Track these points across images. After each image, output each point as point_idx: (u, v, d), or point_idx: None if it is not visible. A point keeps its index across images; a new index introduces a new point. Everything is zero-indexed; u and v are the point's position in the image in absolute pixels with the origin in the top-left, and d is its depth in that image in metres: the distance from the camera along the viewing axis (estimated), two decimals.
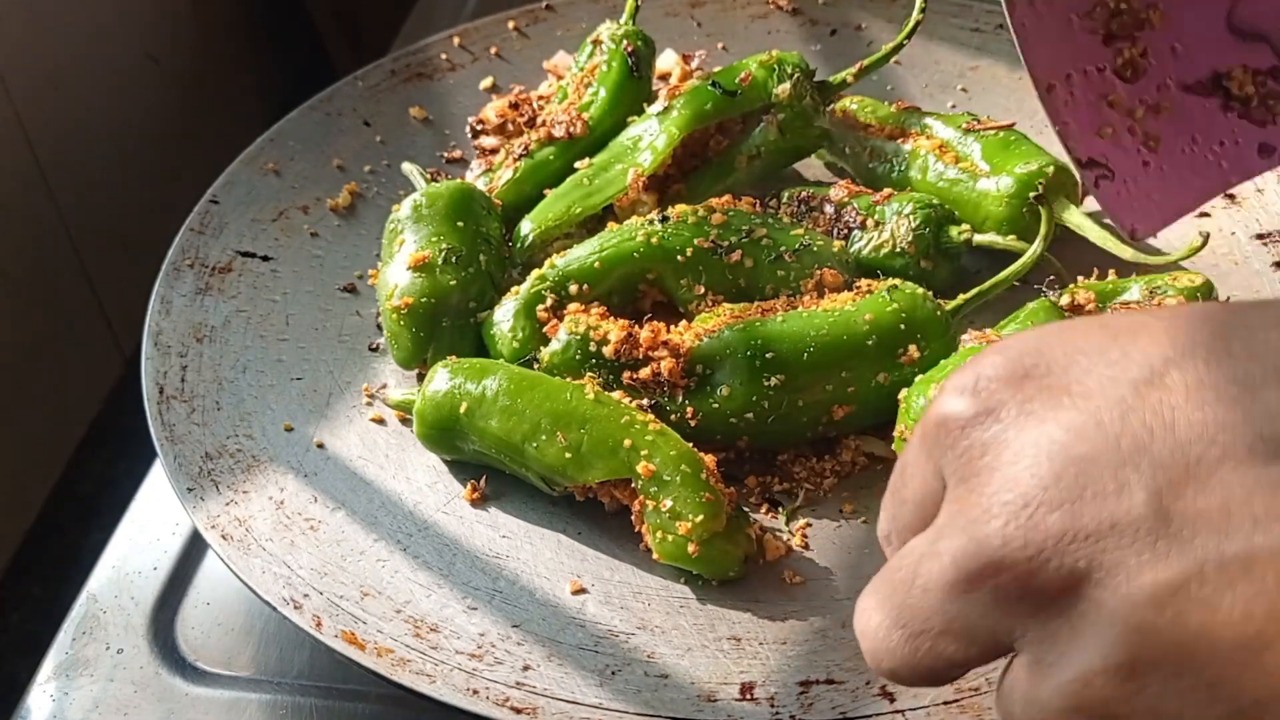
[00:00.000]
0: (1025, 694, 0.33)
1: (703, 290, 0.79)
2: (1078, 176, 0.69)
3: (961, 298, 0.77)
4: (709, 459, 0.68)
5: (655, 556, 0.67)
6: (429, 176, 0.89)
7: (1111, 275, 0.79)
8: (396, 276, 0.79)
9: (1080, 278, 0.79)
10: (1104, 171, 0.68)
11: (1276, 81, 0.68)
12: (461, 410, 0.71)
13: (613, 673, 0.63)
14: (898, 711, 0.60)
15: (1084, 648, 0.31)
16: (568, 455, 0.68)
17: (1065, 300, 0.75)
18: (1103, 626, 0.31)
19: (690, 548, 0.65)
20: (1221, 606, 0.29)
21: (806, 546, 0.69)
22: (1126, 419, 0.32)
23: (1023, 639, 0.33)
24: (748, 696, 0.61)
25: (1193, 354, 0.32)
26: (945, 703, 0.60)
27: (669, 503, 0.65)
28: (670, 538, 0.65)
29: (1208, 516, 0.30)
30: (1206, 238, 0.75)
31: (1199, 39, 0.69)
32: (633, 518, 0.68)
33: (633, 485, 0.67)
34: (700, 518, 0.64)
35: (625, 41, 0.91)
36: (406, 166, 0.91)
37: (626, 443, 0.67)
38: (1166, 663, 0.30)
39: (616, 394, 0.71)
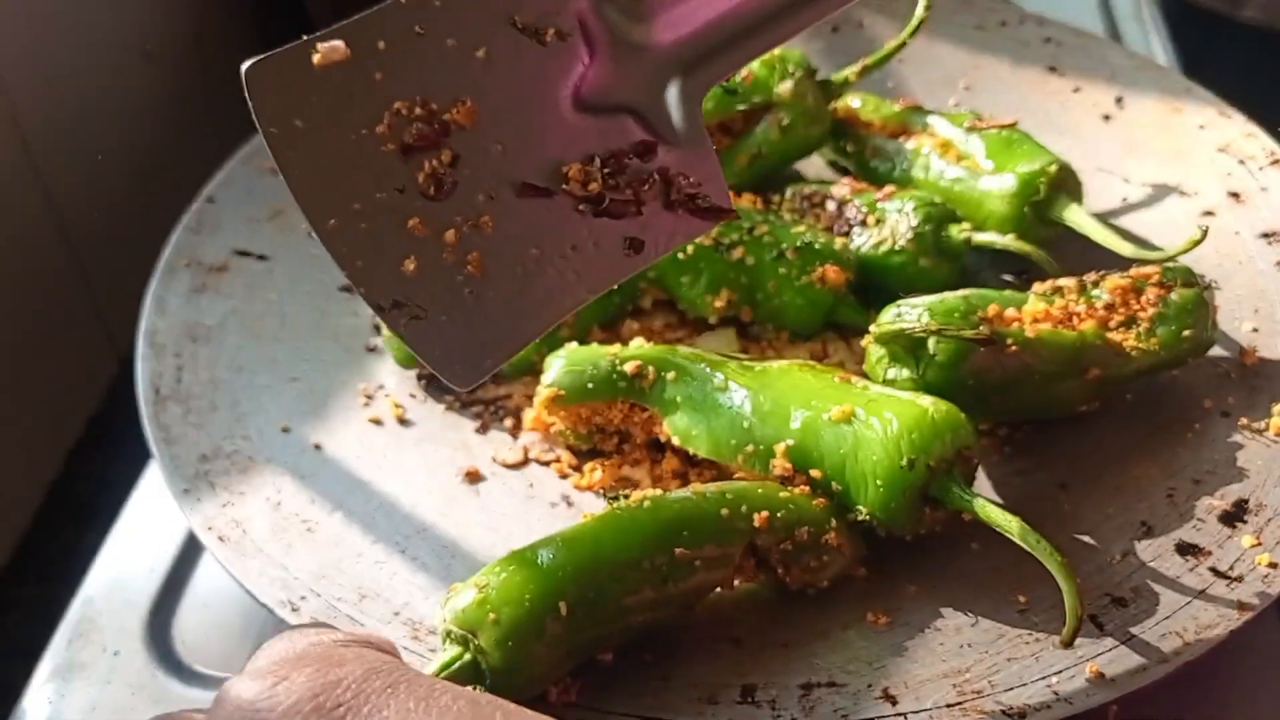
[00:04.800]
0: None
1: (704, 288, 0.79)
2: (383, 324, 0.56)
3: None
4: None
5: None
6: None
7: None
8: None
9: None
10: (415, 312, 0.55)
11: (645, 160, 0.57)
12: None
13: (613, 674, 0.62)
14: (899, 714, 0.60)
15: None
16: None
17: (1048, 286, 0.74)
18: None
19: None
20: None
21: None
22: None
23: None
24: (749, 699, 0.61)
25: None
26: (948, 705, 0.60)
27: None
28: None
29: None
30: (1205, 231, 0.74)
31: (531, 130, 0.56)
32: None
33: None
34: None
35: None
36: None
37: None
38: None
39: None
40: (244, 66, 0.52)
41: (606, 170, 0.57)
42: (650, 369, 0.72)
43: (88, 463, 1.03)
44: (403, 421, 0.77)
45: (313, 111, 0.53)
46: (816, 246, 0.79)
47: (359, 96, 0.53)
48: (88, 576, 0.76)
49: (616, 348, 0.74)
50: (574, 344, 0.76)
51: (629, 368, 0.72)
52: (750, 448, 0.68)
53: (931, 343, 0.69)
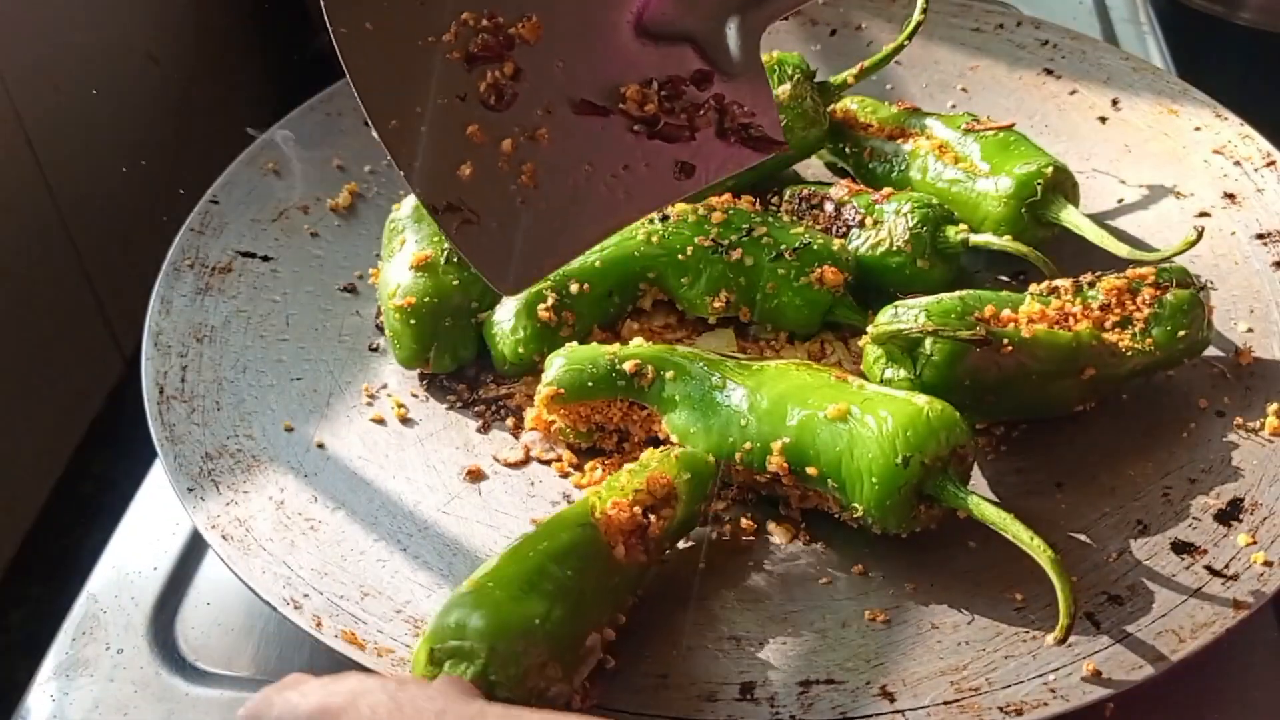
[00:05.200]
0: None
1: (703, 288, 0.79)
2: (437, 224, 0.58)
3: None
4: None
5: None
6: None
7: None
8: (398, 276, 0.79)
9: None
10: (468, 216, 0.57)
11: (702, 88, 0.59)
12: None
13: (613, 673, 0.63)
14: (898, 711, 0.60)
15: None
16: None
17: (1044, 287, 0.75)
18: None
19: None
20: None
21: (808, 543, 0.69)
22: None
23: None
24: (748, 696, 0.61)
25: None
26: (945, 703, 0.60)
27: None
28: None
29: None
30: (1200, 232, 0.75)
31: (593, 51, 0.57)
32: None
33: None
34: None
35: None
36: None
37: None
38: None
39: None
40: None
41: (663, 94, 0.58)
42: (649, 368, 0.72)
43: (92, 462, 1.03)
44: (405, 421, 0.78)
45: (383, 15, 0.54)
46: (815, 247, 0.79)
47: (429, 4, 0.55)
48: (92, 574, 0.76)
49: (616, 347, 0.74)
50: (575, 344, 0.77)
51: (628, 366, 0.72)
52: (748, 445, 0.69)
53: (928, 343, 0.70)
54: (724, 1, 0.58)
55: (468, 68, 0.56)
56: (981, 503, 0.63)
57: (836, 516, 0.68)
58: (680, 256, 0.79)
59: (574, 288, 0.79)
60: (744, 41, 0.59)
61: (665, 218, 0.80)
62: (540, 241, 0.59)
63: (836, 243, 0.81)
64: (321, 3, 0.53)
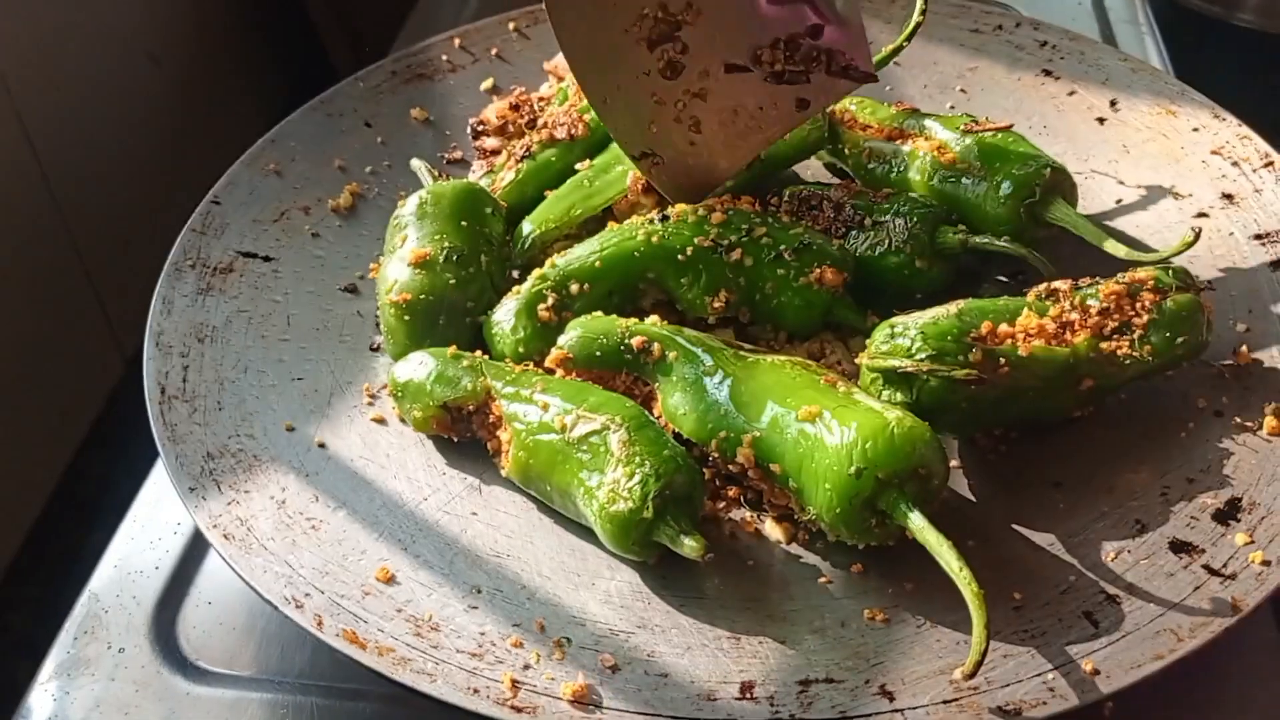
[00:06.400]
0: None
1: (702, 288, 0.79)
2: (636, 169, 0.82)
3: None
4: None
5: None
6: (436, 174, 0.90)
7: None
8: (396, 272, 0.80)
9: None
10: (656, 159, 0.80)
11: (816, 38, 0.78)
12: None
13: (613, 672, 0.63)
14: (897, 710, 0.60)
15: None
16: None
17: (1042, 288, 0.75)
18: None
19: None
20: None
21: (807, 542, 0.70)
22: None
23: None
24: (747, 695, 0.62)
25: None
26: (944, 702, 0.60)
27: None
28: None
29: None
30: (1198, 233, 0.75)
31: (737, 22, 0.77)
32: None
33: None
34: None
35: None
36: (415, 163, 0.91)
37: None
38: None
39: None
40: None
41: (786, 52, 0.78)
42: (655, 345, 0.73)
43: (93, 462, 1.03)
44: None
45: (587, 12, 0.76)
46: (814, 248, 0.80)
47: (620, 3, 0.76)
48: (93, 574, 0.76)
49: (630, 321, 0.75)
50: (596, 313, 0.77)
51: (635, 342, 0.73)
52: (723, 434, 0.69)
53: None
54: None
55: (649, 50, 0.77)
56: (925, 527, 0.63)
57: (796, 518, 0.69)
58: (680, 257, 0.79)
59: (574, 288, 0.79)
60: None
61: (665, 218, 0.80)
62: (707, 168, 0.82)
63: (836, 243, 0.81)
64: (545, 6, 0.75)
